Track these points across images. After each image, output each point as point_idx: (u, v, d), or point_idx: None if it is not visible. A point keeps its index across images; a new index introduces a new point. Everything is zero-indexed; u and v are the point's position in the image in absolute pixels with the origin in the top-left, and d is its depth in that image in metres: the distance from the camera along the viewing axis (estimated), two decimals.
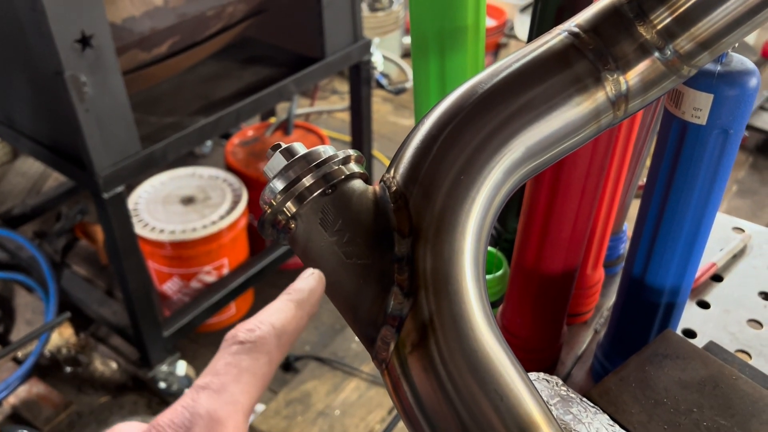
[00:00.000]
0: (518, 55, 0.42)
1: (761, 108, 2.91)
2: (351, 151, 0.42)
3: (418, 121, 0.42)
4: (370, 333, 0.39)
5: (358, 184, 0.41)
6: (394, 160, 0.41)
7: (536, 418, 0.36)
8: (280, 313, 0.36)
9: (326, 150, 0.41)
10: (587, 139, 0.43)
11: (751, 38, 3.05)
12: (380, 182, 0.41)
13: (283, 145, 0.42)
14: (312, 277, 0.38)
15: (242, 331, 0.35)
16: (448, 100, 0.41)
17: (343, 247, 0.39)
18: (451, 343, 0.36)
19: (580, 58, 0.41)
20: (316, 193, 0.40)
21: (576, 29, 0.42)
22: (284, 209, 0.40)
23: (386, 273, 0.38)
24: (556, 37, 0.42)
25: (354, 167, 0.41)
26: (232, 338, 0.35)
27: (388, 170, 0.41)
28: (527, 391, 0.37)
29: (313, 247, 0.40)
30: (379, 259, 0.39)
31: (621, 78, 0.41)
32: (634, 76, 0.41)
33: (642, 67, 0.41)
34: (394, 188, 0.40)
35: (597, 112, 0.42)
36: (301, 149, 0.41)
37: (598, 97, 0.41)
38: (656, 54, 0.41)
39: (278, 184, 0.40)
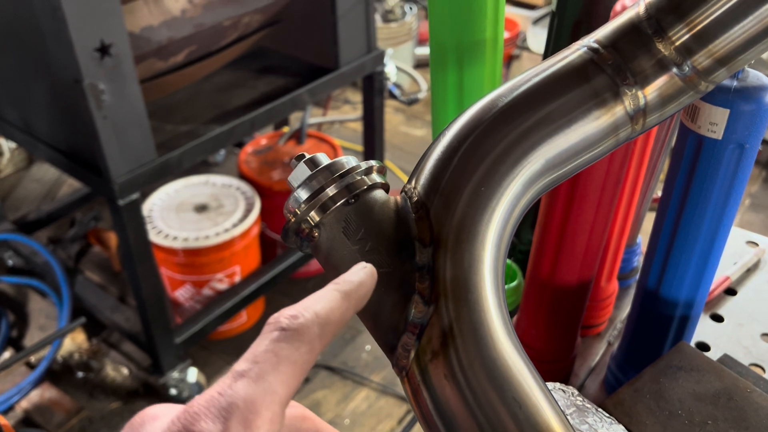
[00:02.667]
0: (538, 69, 0.43)
1: None
2: (373, 162, 0.43)
3: (439, 133, 0.43)
4: (391, 340, 0.39)
5: (380, 194, 0.42)
6: (416, 171, 0.42)
7: (554, 426, 0.36)
8: (325, 301, 0.35)
9: (349, 160, 0.42)
10: (605, 153, 0.44)
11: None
12: (402, 192, 0.42)
13: (307, 155, 0.43)
14: (363, 270, 0.37)
15: (285, 316, 0.33)
16: (468, 113, 0.42)
17: (365, 256, 0.40)
18: (471, 350, 0.37)
19: (599, 73, 0.42)
20: (339, 203, 0.40)
21: (595, 45, 0.42)
22: (308, 218, 0.41)
23: (407, 281, 0.39)
24: (575, 52, 0.43)
25: (376, 177, 0.42)
26: (274, 323, 0.33)
27: (409, 180, 0.42)
28: (545, 399, 0.37)
29: (335, 255, 0.41)
30: (401, 268, 0.39)
31: (639, 93, 0.42)
32: (652, 91, 0.42)
33: (660, 82, 0.42)
34: (416, 198, 0.41)
35: (615, 126, 0.42)
36: (324, 159, 0.42)
37: (617, 111, 0.42)
38: (674, 70, 0.42)
39: (302, 194, 0.41)
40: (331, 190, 0.40)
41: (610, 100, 0.42)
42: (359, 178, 0.41)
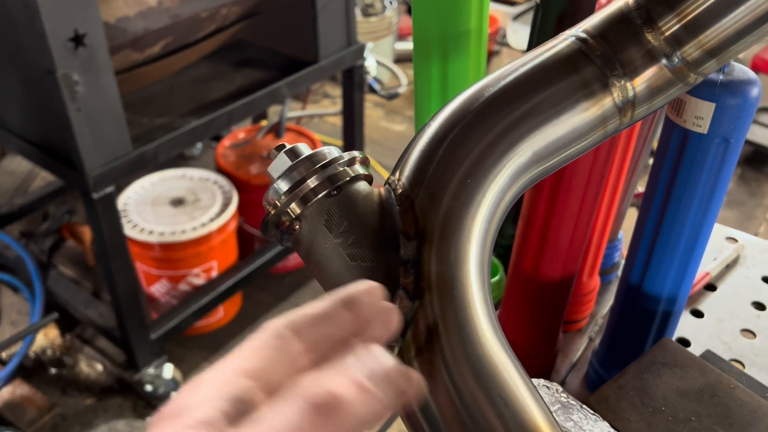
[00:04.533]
0: (525, 59, 0.42)
1: None
2: (356, 153, 0.41)
3: (424, 124, 0.42)
4: None
5: (363, 186, 0.41)
6: (400, 163, 0.41)
7: (541, 424, 0.36)
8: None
9: (331, 151, 0.41)
10: (593, 145, 0.43)
11: None
12: (385, 184, 0.41)
13: (288, 146, 0.41)
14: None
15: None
16: (454, 103, 0.41)
17: (347, 249, 0.39)
18: (456, 347, 0.36)
19: (588, 63, 0.41)
20: (321, 195, 0.39)
21: (583, 35, 0.42)
22: (288, 210, 0.40)
23: (391, 276, 0.38)
24: (563, 42, 0.42)
25: (359, 169, 0.41)
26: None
27: (393, 172, 0.41)
28: (531, 397, 0.36)
29: (317, 248, 0.39)
30: (385, 262, 0.38)
31: (628, 84, 0.41)
32: (641, 82, 0.41)
33: (649, 73, 0.41)
34: (400, 190, 0.39)
35: (604, 117, 0.42)
36: (305, 150, 0.41)
37: (605, 102, 0.41)
38: (663, 61, 0.41)
39: (283, 185, 0.40)
40: (312, 182, 0.39)
41: (599, 91, 0.41)
42: (342, 169, 0.40)
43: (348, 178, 0.40)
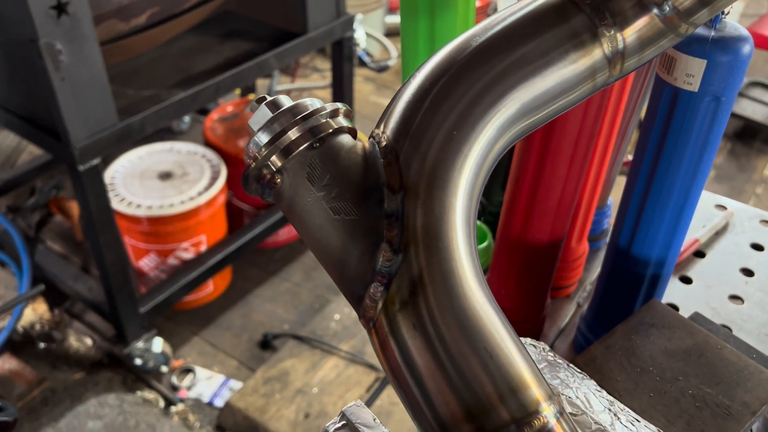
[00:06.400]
0: (514, 8, 0.41)
1: (740, 95, 2.93)
2: (339, 105, 0.40)
3: (410, 75, 0.41)
4: (358, 291, 0.37)
5: (346, 138, 0.40)
6: (384, 115, 0.40)
7: (526, 377, 0.35)
8: None
9: (313, 102, 0.40)
10: (582, 98, 0.42)
11: None
12: (370, 137, 0.40)
13: (269, 98, 0.40)
14: None
15: None
16: (441, 53, 0.40)
17: (330, 203, 0.38)
18: (441, 299, 0.35)
19: (577, 12, 0.40)
20: (302, 147, 0.38)
21: None
22: (269, 163, 0.39)
23: (375, 229, 0.37)
24: None
25: (342, 121, 0.40)
26: None
27: (378, 125, 0.40)
28: (517, 349, 0.36)
29: (299, 202, 0.39)
30: (368, 215, 0.37)
31: (618, 35, 0.40)
32: (631, 33, 0.40)
33: (640, 23, 0.40)
34: (385, 143, 0.38)
35: (593, 69, 0.41)
36: (287, 102, 0.40)
37: (595, 54, 0.40)
38: (655, 10, 0.40)
39: (263, 137, 0.39)
40: (293, 133, 0.38)
41: (588, 41, 0.40)
42: (324, 120, 0.39)
43: (331, 130, 0.39)
